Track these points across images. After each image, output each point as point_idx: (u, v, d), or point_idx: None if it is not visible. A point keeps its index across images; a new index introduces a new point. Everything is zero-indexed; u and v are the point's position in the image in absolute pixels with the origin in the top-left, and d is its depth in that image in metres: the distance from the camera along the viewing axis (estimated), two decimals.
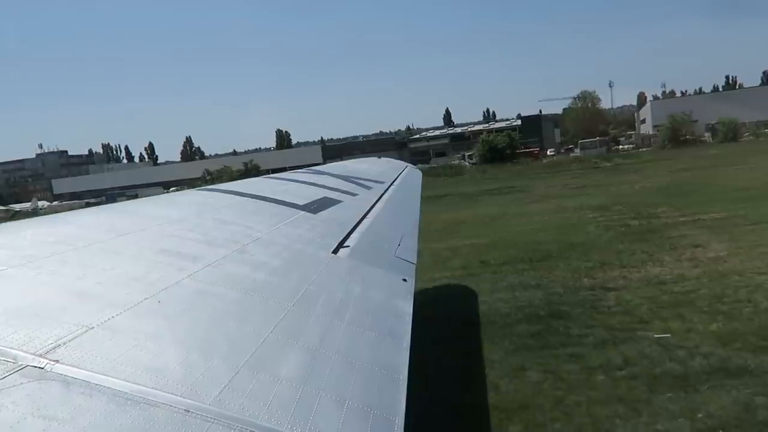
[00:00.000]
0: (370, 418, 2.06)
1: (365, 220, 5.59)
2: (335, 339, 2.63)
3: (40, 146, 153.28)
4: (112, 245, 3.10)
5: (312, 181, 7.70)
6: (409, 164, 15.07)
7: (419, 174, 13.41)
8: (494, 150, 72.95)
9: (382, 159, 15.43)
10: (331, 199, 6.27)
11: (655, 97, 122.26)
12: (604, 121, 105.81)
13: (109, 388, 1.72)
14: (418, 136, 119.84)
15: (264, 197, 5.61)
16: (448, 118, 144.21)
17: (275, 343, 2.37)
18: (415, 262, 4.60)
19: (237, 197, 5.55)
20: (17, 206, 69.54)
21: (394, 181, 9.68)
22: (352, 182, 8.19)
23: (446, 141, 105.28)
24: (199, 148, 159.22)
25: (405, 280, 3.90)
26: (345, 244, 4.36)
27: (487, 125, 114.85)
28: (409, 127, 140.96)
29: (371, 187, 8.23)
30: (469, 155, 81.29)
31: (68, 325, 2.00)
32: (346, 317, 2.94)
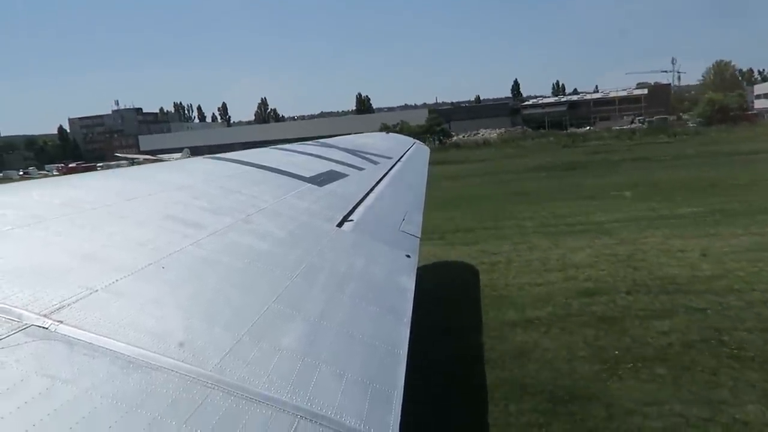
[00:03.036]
0: (369, 391, 2.08)
1: (371, 194, 5.58)
2: (337, 312, 2.64)
3: (117, 103, 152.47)
4: (118, 209, 3.11)
5: (319, 153, 7.67)
6: (417, 141, 14.98)
7: (426, 150, 13.34)
8: (723, 110, 70.29)
9: (390, 134, 15.34)
10: (337, 172, 6.26)
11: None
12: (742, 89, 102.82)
13: (111, 350, 1.73)
14: (530, 102, 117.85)
15: (270, 168, 5.60)
16: (516, 89, 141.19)
17: (277, 313, 2.38)
18: (419, 236, 4.60)
19: (244, 167, 5.54)
20: (167, 156, 68.74)
21: (401, 157, 9.63)
22: (360, 156, 8.16)
23: (563, 109, 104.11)
24: (274, 110, 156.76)
25: (408, 256, 3.90)
26: (350, 218, 4.36)
27: (602, 94, 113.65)
28: (516, 93, 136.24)
29: (378, 162, 8.20)
30: (686, 115, 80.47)
31: (73, 287, 2.02)
32: (349, 291, 2.95)
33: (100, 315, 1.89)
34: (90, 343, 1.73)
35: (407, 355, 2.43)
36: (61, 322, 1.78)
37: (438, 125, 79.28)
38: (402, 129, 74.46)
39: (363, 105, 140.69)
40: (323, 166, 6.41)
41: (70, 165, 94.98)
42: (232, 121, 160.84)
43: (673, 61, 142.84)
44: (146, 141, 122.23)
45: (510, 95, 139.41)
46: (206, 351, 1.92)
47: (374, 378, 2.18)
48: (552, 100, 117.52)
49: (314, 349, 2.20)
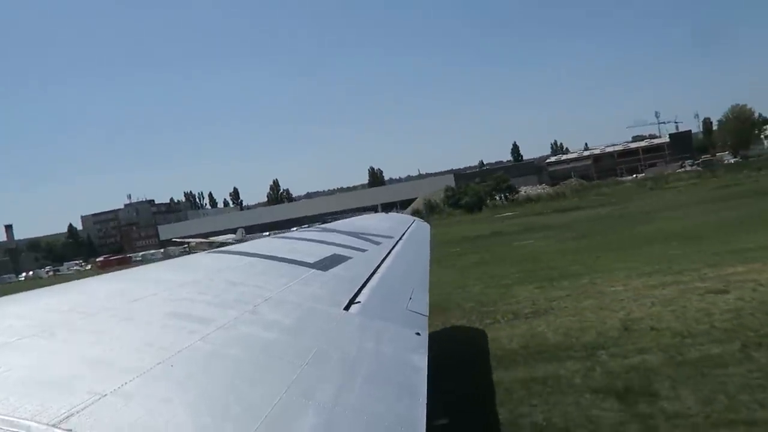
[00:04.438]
0: None
1: (375, 275, 5.58)
2: (351, 397, 2.58)
3: (129, 197, 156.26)
4: (123, 311, 3.11)
5: (321, 238, 7.74)
6: (417, 218, 15.12)
7: (427, 227, 13.45)
8: None
9: (390, 214, 15.53)
10: (340, 255, 6.28)
11: None
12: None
13: None
14: (553, 159, 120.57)
15: (273, 257, 5.63)
16: (516, 151, 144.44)
17: (290, 403, 2.32)
18: (427, 314, 4.56)
19: (246, 258, 5.57)
20: (222, 238, 68.70)
21: (402, 236, 9.70)
22: (361, 238, 8.22)
23: (588, 162, 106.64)
24: (287, 190, 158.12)
25: (418, 333, 3.85)
26: (356, 300, 4.34)
27: (625, 145, 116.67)
28: (516, 155, 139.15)
29: (380, 242, 8.25)
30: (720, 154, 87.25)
31: (81, 393, 1.99)
32: (361, 374, 2.89)
33: (110, 420, 1.85)
34: None
35: None
36: (71, 430, 1.74)
37: (504, 182, 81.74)
38: (467, 191, 76.74)
39: (375, 178, 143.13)
40: (326, 251, 6.44)
41: (110, 258, 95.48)
42: (244, 205, 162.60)
43: (657, 115, 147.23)
44: (165, 231, 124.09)
45: (510, 157, 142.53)
46: None
47: None
48: (574, 155, 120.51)
49: None
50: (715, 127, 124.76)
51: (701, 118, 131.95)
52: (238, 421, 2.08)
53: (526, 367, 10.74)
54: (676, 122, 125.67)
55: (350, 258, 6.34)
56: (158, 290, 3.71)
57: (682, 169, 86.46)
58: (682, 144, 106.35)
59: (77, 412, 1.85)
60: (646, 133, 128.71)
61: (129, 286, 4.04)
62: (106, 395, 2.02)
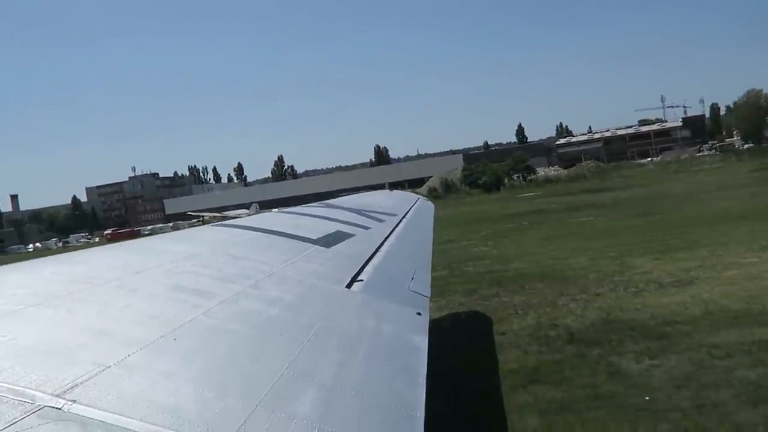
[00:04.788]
0: None
1: (378, 253, 5.59)
2: (351, 375, 2.61)
3: (133, 169, 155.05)
4: (128, 283, 3.13)
5: (325, 215, 7.74)
6: (421, 196, 15.09)
7: (431, 206, 13.43)
8: None
9: (395, 192, 15.49)
10: (344, 233, 6.29)
11: None
12: None
13: (125, 428, 1.71)
14: (562, 141, 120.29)
15: (277, 232, 5.64)
16: (521, 133, 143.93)
17: (291, 380, 2.35)
18: (428, 295, 4.57)
19: (250, 232, 5.58)
20: (234, 212, 68.62)
21: (406, 214, 9.69)
22: (365, 215, 8.22)
23: (599, 145, 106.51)
24: (292, 166, 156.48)
25: (419, 314, 3.87)
26: (359, 278, 4.36)
27: (636, 129, 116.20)
28: (521, 137, 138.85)
29: (384, 220, 8.24)
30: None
31: (85, 364, 2.01)
32: (362, 353, 2.92)
33: (114, 392, 1.88)
34: (104, 422, 1.70)
35: (425, 416, 2.38)
36: (75, 401, 1.76)
37: (522, 162, 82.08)
38: (485, 171, 76.86)
39: (381, 156, 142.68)
40: (330, 227, 6.45)
41: (119, 231, 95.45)
42: (248, 180, 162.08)
43: (662, 99, 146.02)
44: (170, 205, 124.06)
45: (515, 138, 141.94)
46: (220, 424, 1.89)
47: None
48: (584, 137, 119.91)
49: (330, 415, 2.16)
50: (722, 113, 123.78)
51: (706, 104, 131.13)
52: (240, 396, 2.11)
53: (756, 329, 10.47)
54: (684, 107, 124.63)
55: (353, 235, 6.35)
56: (162, 263, 3.73)
57: (701, 153, 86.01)
58: (694, 128, 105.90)
59: (81, 383, 1.87)
60: (653, 117, 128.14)
61: (132, 257, 4.05)
62: (109, 366, 2.04)
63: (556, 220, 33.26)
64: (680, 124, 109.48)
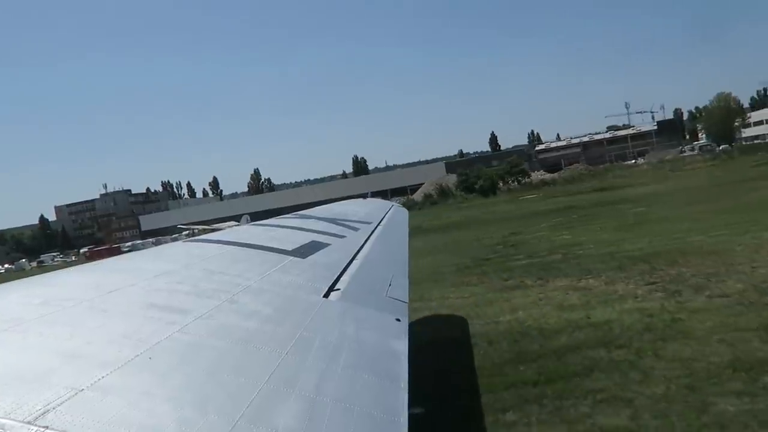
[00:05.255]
0: None
1: (354, 261, 5.57)
2: (332, 385, 2.58)
3: (105, 186, 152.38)
4: (100, 303, 3.05)
5: (299, 225, 7.69)
6: (395, 203, 15.12)
7: (405, 212, 13.47)
8: None
9: (368, 200, 15.49)
10: (319, 242, 6.26)
11: None
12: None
13: None
14: (542, 147, 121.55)
15: (251, 245, 5.58)
16: (494, 142, 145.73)
17: (271, 393, 2.32)
18: (407, 300, 4.57)
19: (224, 246, 5.51)
20: (225, 225, 66.33)
21: (380, 221, 9.70)
22: (340, 224, 8.19)
23: (578, 150, 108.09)
24: (269, 179, 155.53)
25: (398, 320, 3.86)
26: (336, 287, 4.33)
27: (612, 133, 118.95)
28: (494, 145, 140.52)
29: (359, 229, 8.23)
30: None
31: (57, 389, 1.95)
32: (342, 362, 2.89)
33: (88, 415, 1.82)
34: None
35: (407, 420, 2.37)
36: (47, 427, 1.71)
37: (517, 166, 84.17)
38: (480, 176, 77.74)
39: (359, 166, 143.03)
40: (305, 238, 6.41)
41: (98, 248, 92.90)
42: (224, 194, 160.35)
43: (627, 106, 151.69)
44: (146, 221, 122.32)
45: (488, 147, 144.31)
46: None
47: None
48: (563, 143, 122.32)
49: (313, 426, 2.14)
50: (685, 117, 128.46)
51: (668, 109, 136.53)
52: (220, 412, 2.07)
53: None
54: (651, 111, 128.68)
55: (329, 245, 6.32)
56: (135, 281, 3.66)
57: (684, 154, 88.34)
58: (669, 131, 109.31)
59: (54, 408, 1.82)
60: (620, 123, 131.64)
61: (104, 276, 3.97)
62: (83, 390, 1.98)
63: (607, 214, 32.02)
64: (655, 127, 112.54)
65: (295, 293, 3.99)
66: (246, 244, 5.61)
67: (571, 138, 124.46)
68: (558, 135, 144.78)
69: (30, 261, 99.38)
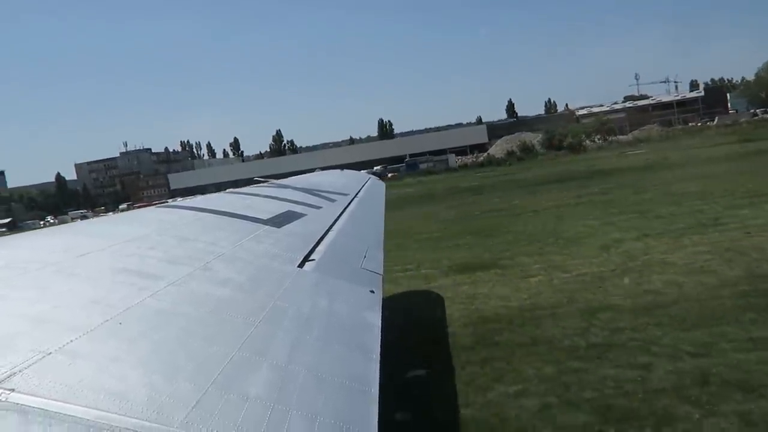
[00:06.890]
0: None
1: (330, 232, 5.56)
2: (304, 354, 2.59)
3: (125, 145, 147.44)
4: (69, 267, 3.00)
5: (275, 194, 7.62)
6: (372, 176, 15.08)
7: (382, 185, 13.44)
8: None
9: (345, 171, 15.41)
10: (294, 212, 6.22)
11: None
12: None
13: (69, 415, 1.64)
14: (585, 112, 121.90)
15: (226, 212, 5.52)
16: (511, 109, 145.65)
17: (243, 361, 2.31)
18: (381, 272, 4.59)
19: (199, 213, 5.44)
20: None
21: (357, 193, 9.66)
22: (316, 195, 8.15)
23: (623, 115, 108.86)
24: (292, 141, 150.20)
25: (372, 291, 3.88)
26: (310, 258, 4.32)
27: (656, 100, 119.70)
28: (511, 112, 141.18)
29: (335, 200, 8.20)
30: None
31: (24, 352, 1.92)
32: (315, 332, 2.90)
33: (56, 379, 1.80)
34: (45, 410, 1.63)
35: (378, 392, 2.40)
36: (13, 390, 1.68)
37: (605, 125, 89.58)
38: (569, 133, 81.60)
39: (385, 130, 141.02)
40: (280, 207, 6.36)
41: (138, 205, 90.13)
42: (245, 156, 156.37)
43: (636, 77, 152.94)
44: (173, 180, 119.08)
45: (505, 115, 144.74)
46: (171, 407, 1.84)
47: (347, 419, 2.13)
48: (606, 108, 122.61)
49: (284, 396, 2.15)
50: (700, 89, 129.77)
51: (671, 82, 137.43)
52: (191, 378, 2.06)
53: None
54: (675, 81, 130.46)
55: (304, 215, 6.28)
56: (106, 245, 3.59)
57: (757, 118, 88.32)
58: (715, 98, 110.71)
59: (20, 371, 1.79)
60: (637, 93, 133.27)
61: (74, 239, 3.89)
62: (51, 353, 1.96)
63: None
64: (701, 94, 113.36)
65: (270, 262, 3.97)
66: (221, 211, 5.55)
67: (613, 104, 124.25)
68: (567, 105, 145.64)
69: (81, 213, 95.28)
